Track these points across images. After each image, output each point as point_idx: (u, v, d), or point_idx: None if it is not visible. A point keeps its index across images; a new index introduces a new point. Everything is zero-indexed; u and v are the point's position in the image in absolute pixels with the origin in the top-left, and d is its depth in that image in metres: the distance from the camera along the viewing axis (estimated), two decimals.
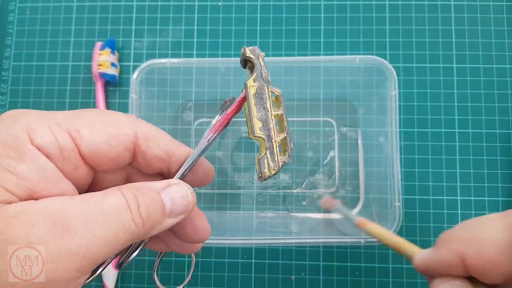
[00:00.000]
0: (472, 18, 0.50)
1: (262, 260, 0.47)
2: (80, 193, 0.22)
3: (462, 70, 0.49)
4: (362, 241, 0.39)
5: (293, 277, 0.46)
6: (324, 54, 0.50)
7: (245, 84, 0.24)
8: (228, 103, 0.46)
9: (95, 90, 0.50)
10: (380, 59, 0.40)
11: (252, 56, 0.25)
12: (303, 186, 0.48)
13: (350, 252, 0.46)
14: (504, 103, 0.48)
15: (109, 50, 0.50)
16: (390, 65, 0.39)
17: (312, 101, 0.48)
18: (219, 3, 0.52)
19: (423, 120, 0.48)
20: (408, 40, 0.50)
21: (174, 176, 0.24)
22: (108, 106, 0.50)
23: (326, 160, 0.48)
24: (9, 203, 0.18)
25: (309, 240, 0.40)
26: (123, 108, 0.50)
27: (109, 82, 0.51)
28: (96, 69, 0.49)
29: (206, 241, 0.39)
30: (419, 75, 0.49)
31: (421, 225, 0.46)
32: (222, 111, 0.46)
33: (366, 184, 0.47)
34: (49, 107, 0.51)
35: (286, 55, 0.50)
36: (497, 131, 0.48)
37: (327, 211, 0.46)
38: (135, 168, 0.25)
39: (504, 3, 0.50)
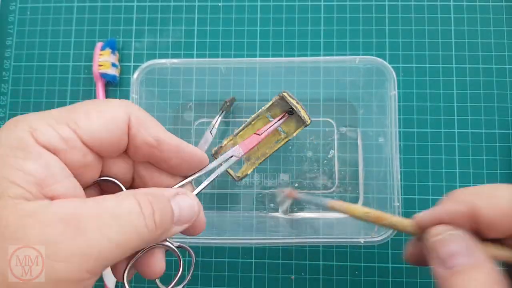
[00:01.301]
0: (471, 18, 0.50)
1: (262, 259, 0.47)
2: (89, 185, 0.23)
3: (461, 71, 0.49)
4: (362, 241, 0.39)
5: (293, 276, 0.47)
6: (324, 55, 0.50)
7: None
8: (228, 103, 0.46)
9: (95, 90, 0.50)
10: (380, 59, 0.40)
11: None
12: (302, 185, 0.48)
13: (349, 251, 0.47)
14: (503, 103, 0.48)
15: (110, 50, 0.50)
16: (389, 66, 0.40)
17: (312, 101, 0.48)
18: (219, 4, 0.52)
19: (422, 120, 0.48)
20: (407, 41, 0.50)
21: (171, 170, 0.26)
22: None
23: (326, 160, 0.48)
24: (27, 199, 0.19)
25: (309, 240, 0.40)
26: None
27: (110, 83, 0.51)
28: (96, 70, 0.49)
29: (207, 241, 0.39)
30: (418, 75, 0.49)
31: None
32: (223, 111, 0.46)
33: (366, 184, 0.47)
34: (50, 107, 0.50)
35: (286, 55, 0.50)
36: (497, 131, 0.48)
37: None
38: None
39: (504, 3, 0.50)
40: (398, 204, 0.39)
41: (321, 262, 0.47)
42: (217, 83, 0.47)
